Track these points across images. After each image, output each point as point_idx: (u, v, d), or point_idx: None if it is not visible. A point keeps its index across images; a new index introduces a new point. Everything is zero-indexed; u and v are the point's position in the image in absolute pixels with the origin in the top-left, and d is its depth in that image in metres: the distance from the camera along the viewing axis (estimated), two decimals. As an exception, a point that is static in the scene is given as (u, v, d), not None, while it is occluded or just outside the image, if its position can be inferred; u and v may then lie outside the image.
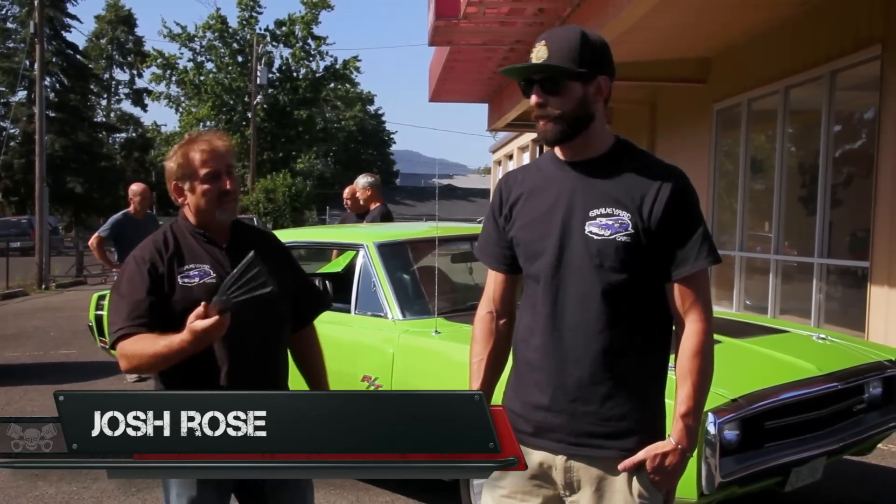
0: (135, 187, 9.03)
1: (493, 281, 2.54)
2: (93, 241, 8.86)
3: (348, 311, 5.25)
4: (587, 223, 2.26)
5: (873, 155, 8.52)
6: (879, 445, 5.15)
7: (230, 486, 2.77)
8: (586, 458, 2.28)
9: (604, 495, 2.28)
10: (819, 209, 9.40)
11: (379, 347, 4.91)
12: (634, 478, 2.25)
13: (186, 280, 2.66)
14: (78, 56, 55.38)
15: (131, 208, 8.90)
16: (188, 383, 2.65)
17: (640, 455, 2.23)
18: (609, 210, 2.25)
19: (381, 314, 5.07)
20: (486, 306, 2.55)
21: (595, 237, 2.25)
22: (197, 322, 2.42)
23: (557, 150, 2.37)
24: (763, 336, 4.87)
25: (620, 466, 2.25)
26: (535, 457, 2.32)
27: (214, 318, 2.41)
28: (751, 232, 11.62)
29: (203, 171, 2.69)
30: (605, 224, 2.24)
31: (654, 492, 2.26)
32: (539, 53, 2.26)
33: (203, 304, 2.44)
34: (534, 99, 2.28)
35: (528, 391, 2.36)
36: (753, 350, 4.54)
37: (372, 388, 4.81)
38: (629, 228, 2.23)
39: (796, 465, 3.98)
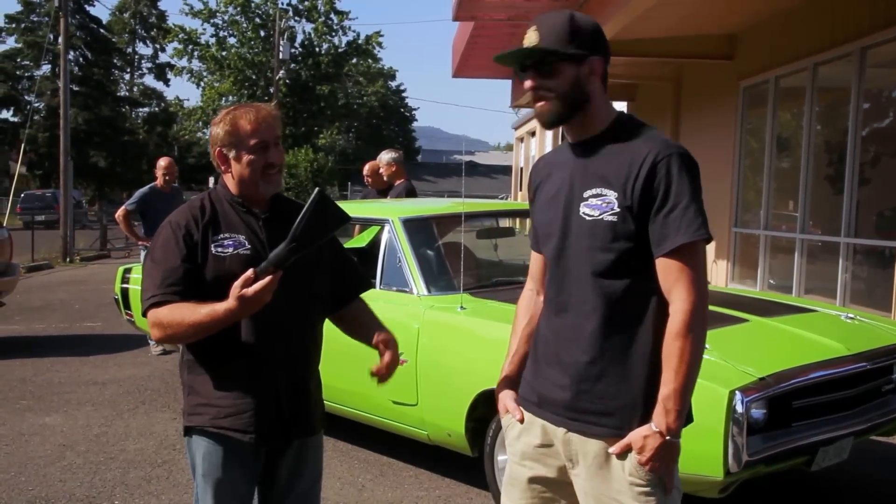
0: (161, 161, 9.11)
1: (533, 260, 2.62)
2: (120, 213, 8.93)
3: (373, 287, 5.25)
4: (581, 204, 2.30)
5: (903, 133, 8.41)
6: (906, 426, 5.11)
7: (256, 472, 2.73)
8: (582, 432, 2.32)
9: (599, 471, 2.30)
10: (846, 188, 9.29)
11: (404, 323, 4.90)
12: (629, 457, 2.25)
13: (220, 250, 2.59)
14: (101, 30, 55.56)
15: (158, 182, 8.96)
16: (217, 358, 2.63)
17: (626, 439, 2.24)
18: (598, 190, 2.27)
19: (406, 289, 5.08)
20: (529, 283, 2.65)
21: (587, 218, 2.28)
22: (244, 290, 2.37)
23: (567, 132, 2.41)
24: (791, 315, 4.84)
25: (611, 450, 2.27)
26: (538, 425, 2.41)
27: (265, 281, 2.36)
28: (776, 211, 11.51)
29: (252, 141, 2.61)
30: (595, 205, 2.27)
31: (648, 473, 2.24)
32: (530, 38, 2.31)
33: (252, 269, 2.38)
34: (528, 84, 2.33)
35: (538, 364, 2.44)
36: (781, 329, 4.51)
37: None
38: (615, 208, 2.24)
39: (823, 445, 3.96)
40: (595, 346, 2.28)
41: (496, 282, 5.50)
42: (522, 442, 2.46)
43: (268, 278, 2.37)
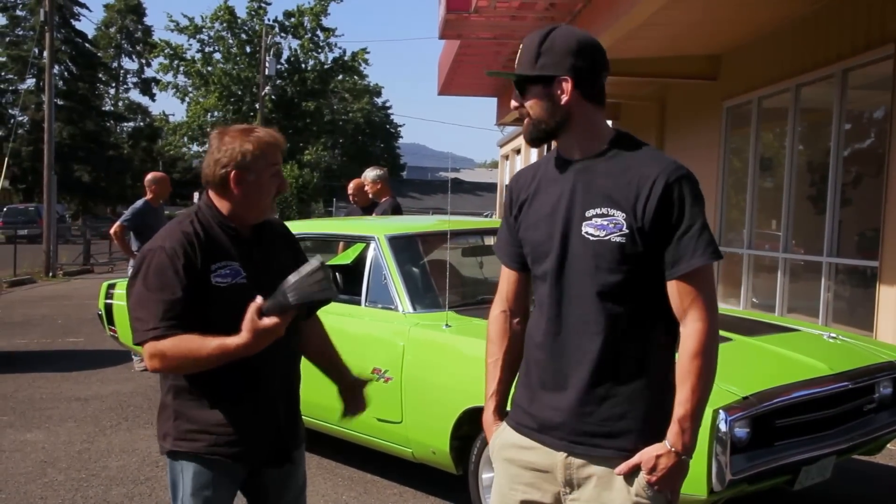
0: (154, 175, 9.04)
1: (506, 279, 2.54)
2: (115, 229, 8.77)
3: (358, 304, 5.26)
4: (584, 223, 2.24)
5: (884, 154, 8.49)
6: (888, 445, 5.15)
7: (237, 488, 2.75)
8: (585, 456, 2.27)
9: (602, 494, 2.26)
10: (828, 208, 9.37)
11: (389, 340, 4.91)
12: (634, 478, 2.22)
13: (219, 280, 2.53)
14: (87, 44, 55.60)
15: (150, 196, 8.86)
16: (217, 386, 2.59)
17: (634, 458, 2.21)
18: (604, 210, 2.23)
19: (391, 307, 5.08)
20: (499, 305, 2.55)
21: (591, 238, 2.23)
22: (261, 322, 2.35)
23: (560, 149, 2.38)
24: (774, 334, 4.87)
25: (617, 470, 2.23)
26: (538, 451, 2.33)
27: (276, 320, 2.35)
28: (759, 230, 11.59)
29: (275, 165, 2.60)
30: (601, 224, 2.22)
31: (655, 493, 2.23)
32: (517, 58, 2.34)
33: (260, 298, 2.37)
34: (512, 103, 2.37)
35: (534, 388, 2.36)
36: (764, 348, 4.54)
37: (381, 380, 4.82)
38: (623, 229, 2.20)
39: (806, 464, 3.98)
40: (600, 367, 2.24)
41: (481, 299, 5.49)
42: (517, 467, 2.38)
43: (276, 320, 2.37)
